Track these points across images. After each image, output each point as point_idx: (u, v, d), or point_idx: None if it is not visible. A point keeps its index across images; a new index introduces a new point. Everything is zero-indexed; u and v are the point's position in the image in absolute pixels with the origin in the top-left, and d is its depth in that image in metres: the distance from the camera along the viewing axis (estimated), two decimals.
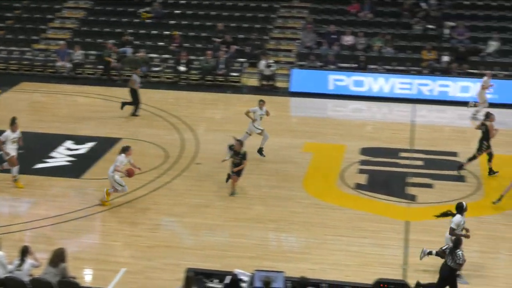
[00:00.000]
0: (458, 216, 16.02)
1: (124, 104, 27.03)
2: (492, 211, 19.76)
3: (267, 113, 23.16)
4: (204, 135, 25.33)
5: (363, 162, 23.10)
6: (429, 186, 21.37)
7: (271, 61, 31.47)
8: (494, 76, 30.00)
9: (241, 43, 33.43)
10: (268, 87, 31.08)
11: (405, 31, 33.67)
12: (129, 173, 19.57)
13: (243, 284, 13.56)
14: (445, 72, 30.78)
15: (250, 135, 22.97)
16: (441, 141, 25.13)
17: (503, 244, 18.01)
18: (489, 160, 21.92)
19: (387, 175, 22.22)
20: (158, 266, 16.57)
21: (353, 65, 31.75)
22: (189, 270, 13.73)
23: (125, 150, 19.55)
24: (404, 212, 19.75)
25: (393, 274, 16.03)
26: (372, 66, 31.66)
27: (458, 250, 14.88)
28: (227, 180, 20.49)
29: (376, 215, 19.41)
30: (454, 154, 23.75)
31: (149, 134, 25.19)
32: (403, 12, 34.38)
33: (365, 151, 23.97)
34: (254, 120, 22.83)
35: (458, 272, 15.40)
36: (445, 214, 16.22)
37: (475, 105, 27.80)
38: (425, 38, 32.94)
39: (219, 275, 13.95)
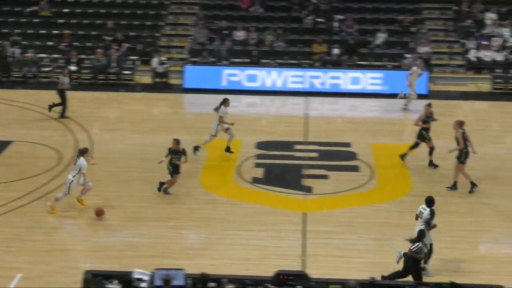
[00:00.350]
0: (428, 210, 16.30)
1: (51, 106, 26.34)
2: (385, 199, 20.24)
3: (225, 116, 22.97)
4: (99, 135, 24.95)
5: (259, 156, 23.27)
6: (324, 177, 21.70)
7: (163, 58, 31.28)
8: (382, 67, 30.84)
9: (133, 40, 33.10)
10: (162, 85, 30.90)
11: (295, 25, 34.08)
12: (98, 213, 18.57)
13: (143, 284, 13.45)
14: (336, 64, 31.34)
15: (226, 131, 22.78)
16: (334, 133, 25.55)
17: (397, 230, 18.44)
18: (411, 148, 22.40)
19: (283, 168, 22.45)
20: (56, 270, 16.23)
21: (246, 60, 31.94)
22: (87, 272, 13.51)
23: (83, 152, 18.85)
24: (301, 204, 20.01)
25: (293, 265, 16.22)
26: (264, 61, 31.92)
27: (420, 243, 15.21)
28: (159, 189, 20.17)
29: (273, 208, 19.59)
30: (347, 144, 24.20)
31: (41, 135, 24.63)
32: (293, 6, 34.78)
33: (260, 145, 24.15)
34: (223, 122, 22.54)
35: (424, 265, 15.92)
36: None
37: (405, 96, 28.34)
38: (316, 31, 33.43)
39: (119, 276, 13.79)
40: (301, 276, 14.02)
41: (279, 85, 30.39)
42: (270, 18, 34.42)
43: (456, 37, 33.98)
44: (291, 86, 30.37)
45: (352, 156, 23.26)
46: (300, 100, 29.29)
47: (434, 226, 16.26)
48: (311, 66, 31.47)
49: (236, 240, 17.82)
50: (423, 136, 22.16)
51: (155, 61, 30.87)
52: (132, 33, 33.62)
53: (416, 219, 16.47)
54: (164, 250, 17.23)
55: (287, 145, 24.19)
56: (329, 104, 29.17)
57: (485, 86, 30.79)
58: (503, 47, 32.13)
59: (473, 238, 18.17)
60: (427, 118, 22.26)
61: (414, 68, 28.26)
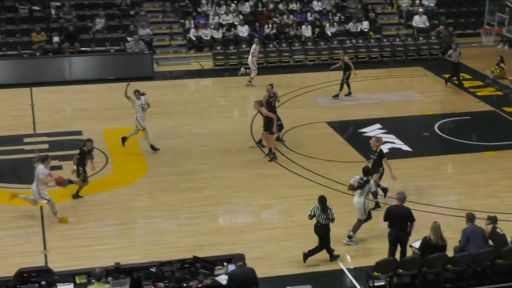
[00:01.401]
0: (372, 180, 17.04)
1: None
2: (122, 183, 20.26)
3: (148, 105, 21.95)
4: None
5: None
6: (58, 168, 21.23)
7: None
8: (106, 52, 30.72)
9: None
10: None
11: (11, 15, 32.81)
12: (59, 182, 17.64)
13: None
14: (58, 52, 30.64)
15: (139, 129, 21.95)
16: (64, 122, 25.06)
17: (137, 213, 18.62)
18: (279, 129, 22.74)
19: (14, 163, 21.73)
20: None
21: None
22: None
23: (44, 159, 17.54)
24: None
25: (35, 261, 15.80)
26: None
27: (329, 208, 15.72)
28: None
29: (9, 206, 18.83)
30: (78, 132, 23.86)
31: None
32: None
33: None
34: (136, 112, 21.83)
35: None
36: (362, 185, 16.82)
37: (245, 73, 28.76)
38: (33, 20, 32.44)
39: None
40: (44, 272, 13.75)
41: (0, 78, 29.14)
42: None
43: (175, 18, 34.65)
44: (14, 77, 29.22)
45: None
46: (25, 91, 28.29)
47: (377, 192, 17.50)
48: (32, 56, 30.51)
49: None
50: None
51: None
52: None
53: (349, 189, 17.12)
54: None
55: (16, 139, 23.37)
56: (55, 93, 28.47)
57: (207, 63, 31.78)
58: (220, 25, 33.26)
59: (211, 212, 18.79)
60: (270, 99, 22.48)
61: (254, 45, 28.84)
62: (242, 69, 29.73)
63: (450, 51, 28.62)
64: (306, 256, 16.09)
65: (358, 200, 16.93)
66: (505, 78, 29.78)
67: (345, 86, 27.18)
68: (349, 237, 17.04)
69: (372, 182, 17.11)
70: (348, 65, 26.88)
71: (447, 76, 28.97)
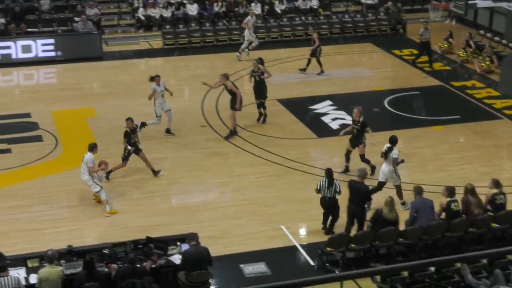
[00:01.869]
0: (395, 149, 17.08)
1: None
2: (72, 165, 19.99)
3: (170, 92, 21.61)
4: None
5: None
6: (7, 151, 20.98)
7: None
8: (53, 33, 30.29)
9: None
10: None
11: None
12: (103, 166, 17.55)
13: None
14: (4, 34, 30.10)
15: (160, 117, 21.46)
16: (13, 104, 24.70)
17: (89, 194, 18.40)
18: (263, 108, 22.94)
19: None
20: None
21: None
22: None
23: (93, 148, 17.32)
24: None
25: None
26: None
27: (335, 181, 15.88)
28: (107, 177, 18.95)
29: None
30: (27, 115, 23.54)
31: None
32: None
33: None
34: (155, 99, 21.35)
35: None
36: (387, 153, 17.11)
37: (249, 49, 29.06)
38: None
39: None
40: None
41: None
42: None
43: None
44: None
45: (33, 126, 22.70)
46: None
47: (402, 161, 17.40)
48: None
49: None
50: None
51: None
52: None
53: (382, 156, 17.33)
54: None
55: None
56: (2, 76, 28.05)
57: (157, 43, 31.55)
58: (169, 4, 33.00)
59: (164, 192, 18.76)
60: (254, 73, 22.56)
61: (248, 17, 29.44)
62: (240, 52, 29.52)
63: (421, 30, 28.67)
64: (328, 231, 16.33)
65: (388, 169, 17.23)
66: (453, 53, 30.15)
67: (307, 61, 27.52)
68: (403, 204, 17.32)
69: (395, 150, 17.29)
70: (315, 42, 27.22)
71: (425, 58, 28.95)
